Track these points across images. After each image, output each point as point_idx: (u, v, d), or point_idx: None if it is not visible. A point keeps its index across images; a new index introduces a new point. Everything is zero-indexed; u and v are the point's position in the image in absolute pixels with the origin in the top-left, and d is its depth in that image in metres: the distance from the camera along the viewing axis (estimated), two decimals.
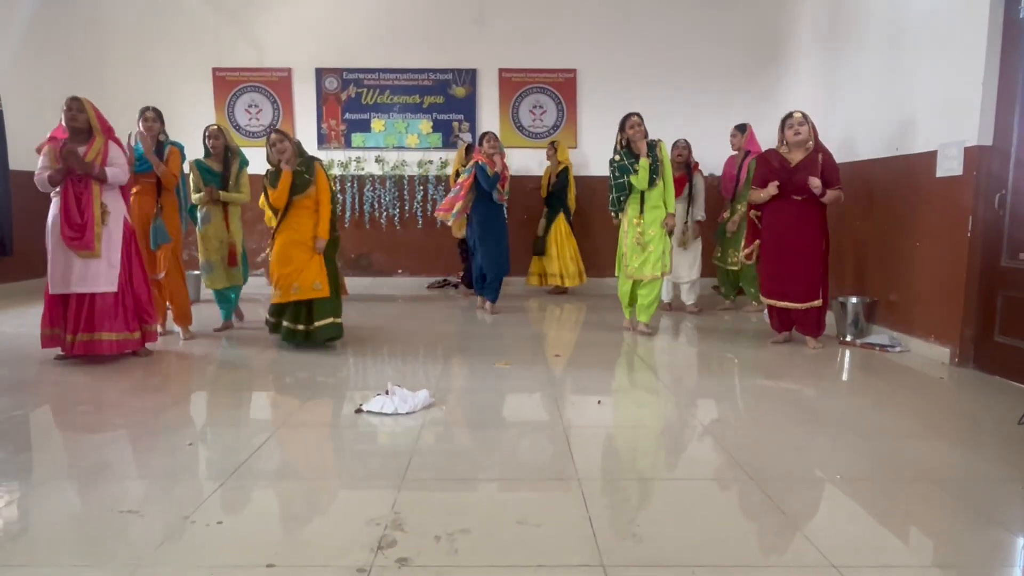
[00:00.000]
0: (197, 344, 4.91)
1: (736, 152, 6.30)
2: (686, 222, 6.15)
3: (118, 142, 4.39)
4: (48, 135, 4.25)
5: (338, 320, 4.64)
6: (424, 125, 8.02)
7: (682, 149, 6.19)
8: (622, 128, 5.06)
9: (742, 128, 6.30)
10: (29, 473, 2.63)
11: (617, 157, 5.09)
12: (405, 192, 8.02)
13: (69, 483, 2.49)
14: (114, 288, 4.22)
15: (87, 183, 4.17)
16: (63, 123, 4.19)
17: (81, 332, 4.16)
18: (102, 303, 4.20)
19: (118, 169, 4.28)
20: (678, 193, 5.89)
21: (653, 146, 5.01)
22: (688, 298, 6.30)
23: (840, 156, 5.37)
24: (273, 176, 4.56)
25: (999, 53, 4.05)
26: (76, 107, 4.20)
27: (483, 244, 6.06)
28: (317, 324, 4.54)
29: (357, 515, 2.24)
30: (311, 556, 1.97)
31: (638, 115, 5.04)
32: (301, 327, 4.57)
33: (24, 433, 3.12)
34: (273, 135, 4.57)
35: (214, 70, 7.92)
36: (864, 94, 5.38)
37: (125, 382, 3.88)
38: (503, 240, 6.18)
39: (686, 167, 6.17)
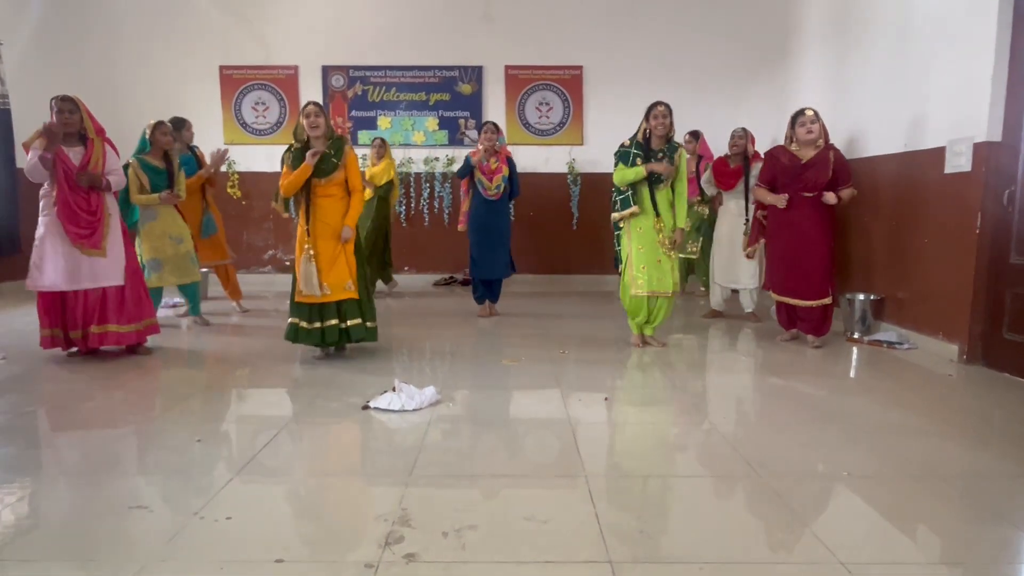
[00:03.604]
0: (202, 341, 4.94)
1: (689, 157, 6.43)
2: (746, 221, 5.50)
3: (112, 144, 4.33)
4: (40, 128, 4.09)
5: (371, 324, 4.33)
6: (430, 122, 8.02)
7: (738, 139, 5.56)
8: (647, 116, 4.43)
9: (696, 135, 6.72)
10: (39, 469, 2.65)
11: (627, 142, 4.50)
12: (411, 189, 8.02)
13: (79, 479, 2.51)
14: (121, 281, 4.30)
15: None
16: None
17: (94, 324, 4.22)
18: (110, 296, 4.26)
19: (117, 177, 4.28)
20: (732, 186, 5.55)
21: (672, 149, 4.44)
22: (747, 304, 5.70)
23: (849, 152, 5.36)
24: (297, 155, 4.16)
25: (1008, 48, 4.02)
26: (69, 108, 4.05)
27: (483, 246, 5.62)
28: (350, 323, 4.22)
29: (365, 511, 2.26)
30: (319, 552, 1.99)
31: (666, 105, 4.39)
32: (318, 325, 4.19)
33: (34, 429, 3.14)
34: (310, 107, 4.13)
35: (221, 68, 7.93)
36: (872, 90, 5.35)
37: (133, 379, 3.90)
38: (506, 241, 5.72)
39: (743, 159, 5.55)
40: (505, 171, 5.58)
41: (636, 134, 4.50)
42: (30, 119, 6.97)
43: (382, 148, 7.03)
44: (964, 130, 4.28)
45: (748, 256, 5.43)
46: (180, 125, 5.68)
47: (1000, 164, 4.09)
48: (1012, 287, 4.04)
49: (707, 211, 6.52)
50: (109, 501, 2.31)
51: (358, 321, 4.26)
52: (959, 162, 4.32)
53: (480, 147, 5.61)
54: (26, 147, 4.11)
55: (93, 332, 4.23)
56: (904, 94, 4.93)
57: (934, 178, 4.57)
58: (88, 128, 4.17)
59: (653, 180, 4.43)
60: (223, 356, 4.58)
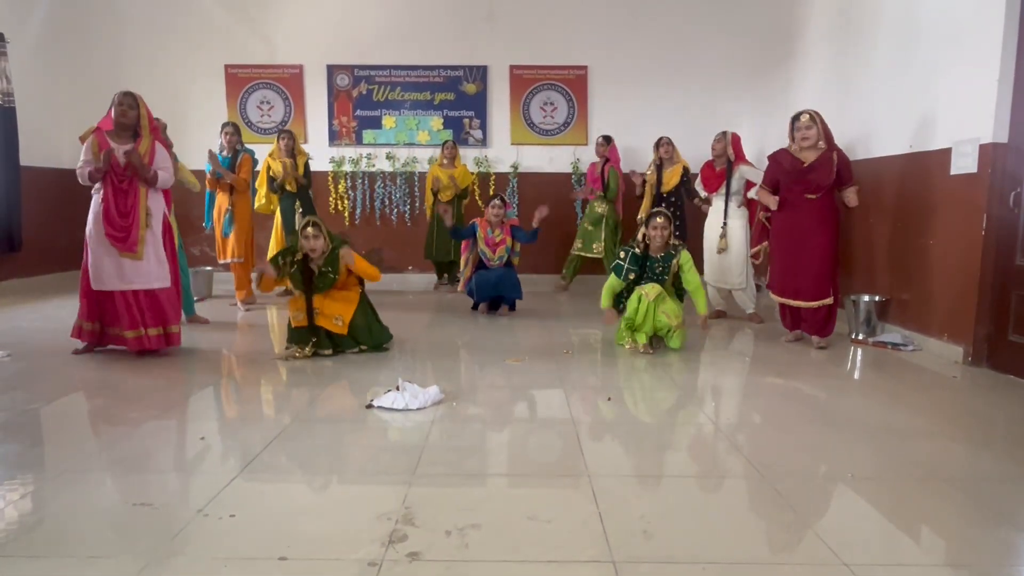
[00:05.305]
0: (207, 340, 4.95)
1: (599, 159, 7.17)
2: (724, 224, 5.62)
3: (164, 143, 4.36)
4: (95, 125, 4.20)
5: (367, 347, 4.46)
6: (435, 122, 8.02)
7: (715, 143, 5.71)
8: (646, 224, 4.62)
9: (608, 139, 7.15)
10: (44, 466, 2.66)
11: (622, 254, 4.64)
12: (416, 189, 8.03)
13: (83, 476, 2.52)
14: (168, 283, 4.30)
15: (133, 185, 4.13)
16: (112, 115, 4.12)
17: (152, 327, 4.21)
18: (162, 298, 4.25)
19: (166, 173, 4.26)
20: (715, 188, 5.72)
21: (671, 256, 4.59)
22: (746, 306, 5.71)
23: (853, 153, 5.35)
24: (297, 274, 4.30)
25: (1015, 49, 4.00)
26: (129, 103, 4.11)
27: (483, 289, 5.87)
28: (347, 351, 4.40)
29: (368, 509, 2.26)
30: (323, 549, 1.99)
31: (665, 216, 4.56)
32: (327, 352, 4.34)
33: (39, 426, 3.15)
34: (310, 229, 4.21)
35: (226, 67, 7.95)
36: (878, 90, 5.34)
37: (137, 377, 3.91)
38: (509, 287, 5.90)
39: (727, 161, 5.65)
40: (509, 242, 5.92)
41: (635, 242, 4.66)
42: (35, 117, 7.02)
43: (454, 148, 7.36)
44: (970, 131, 4.26)
45: (754, 259, 5.49)
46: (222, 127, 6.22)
47: (1006, 165, 4.08)
48: (1018, 289, 4.03)
49: (608, 210, 7.11)
50: (113, 498, 2.32)
51: (356, 350, 4.43)
52: (965, 163, 4.31)
53: (487, 219, 5.90)
54: (82, 140, 4.15)
55: (152, 334, 4.21)
56: (910, 95, 4.91)
57: (940, 179, 4.55)
58: (144, 127, 4.19)
59: (644, 278, 4.63)
60: (227, 354, 4.59)
